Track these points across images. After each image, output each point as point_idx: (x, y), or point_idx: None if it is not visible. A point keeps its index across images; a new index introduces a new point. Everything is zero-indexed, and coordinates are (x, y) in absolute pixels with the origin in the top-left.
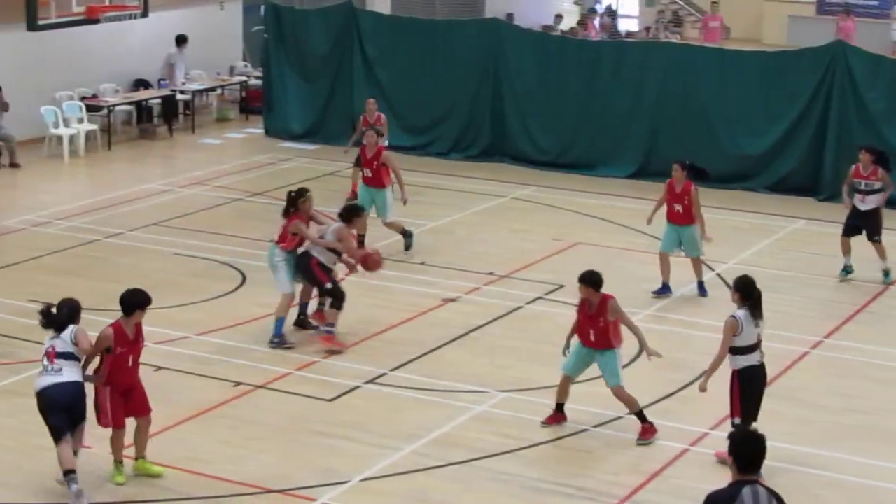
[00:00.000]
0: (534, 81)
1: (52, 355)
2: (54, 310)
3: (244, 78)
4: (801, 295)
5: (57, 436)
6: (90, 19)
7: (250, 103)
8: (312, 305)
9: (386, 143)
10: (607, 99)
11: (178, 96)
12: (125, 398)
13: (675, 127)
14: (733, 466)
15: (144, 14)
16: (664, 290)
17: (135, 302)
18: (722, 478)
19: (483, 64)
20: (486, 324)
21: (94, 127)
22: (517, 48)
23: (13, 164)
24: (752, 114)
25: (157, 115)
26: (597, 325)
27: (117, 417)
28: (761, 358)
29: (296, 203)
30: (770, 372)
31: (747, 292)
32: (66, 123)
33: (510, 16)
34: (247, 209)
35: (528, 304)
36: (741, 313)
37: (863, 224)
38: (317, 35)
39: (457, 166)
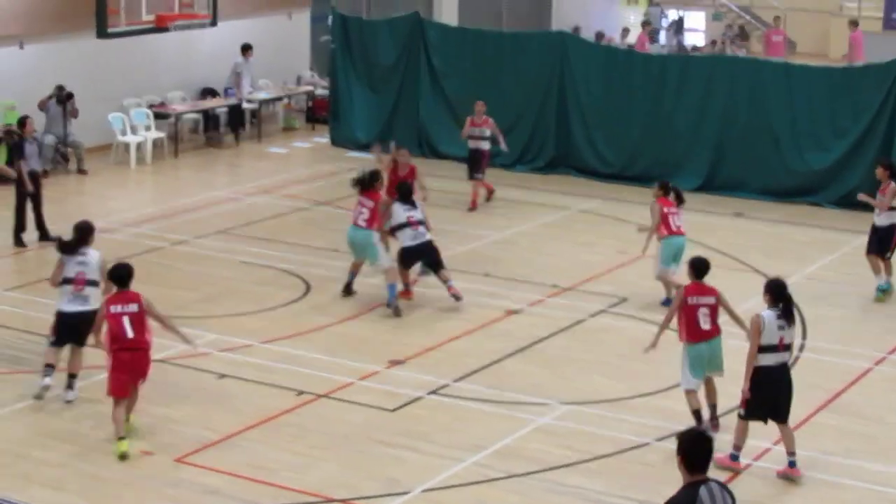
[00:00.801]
0: (599, 94)
1: (82, 282)
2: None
3: (311, 87)
4: (866, 310)
5: (58, 343)
6: (159, 28)
7: (316, 113)
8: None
9: (505, 148)
10: (673, 112)
11: (245, 105)
12: None
13: (741, 140)
14: (682, 466)
15: (213, 23)
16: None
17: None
18: (785, 493)
19: (549, 76)
20: (550, 336)
21: (162, 135)
22: (583, 61)
23: (81, 171)
24: (817, 129)
25: (223, 124)
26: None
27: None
28: (782, 360)
29: (373, 184)
30: (832, 387)
31: (777, 294)
32: (134, 131)
33: (577, 28)
34: (312, 218)
35: (591, 316)
36: (767, 313)
37: (876, 238)
38: (384, 45)
39: (522, 178)
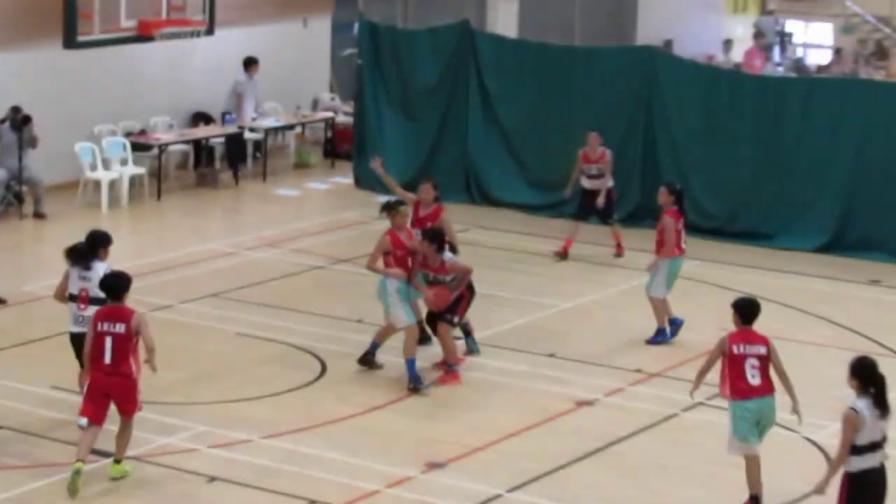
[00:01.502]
0: (697, 126)
1: (85, 300)
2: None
3: (330, 114)
4: None
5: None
6: (142, 36)
7: (337, 146)
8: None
9: (610, 184)
10: (792, 150)
11: (247, 134)
12: None
13: (878, 186)
14: None
15: (210, 31)
16: (661, 335)
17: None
18: None
19: (633, 103)
20: (632, 435)
21: (142, 170)
22: (676, 84)
23: (38, 215)
24: None
25: (219, 158)
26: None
27: None
28: (882, 460)
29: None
30: None
31: (867, 378)
32: (107, 165)
33: (668, 43)
34: (330, 279)
35: (685, 410)
36: (862, 403)
37: None
38: (423, 61)
39: (596, 232)
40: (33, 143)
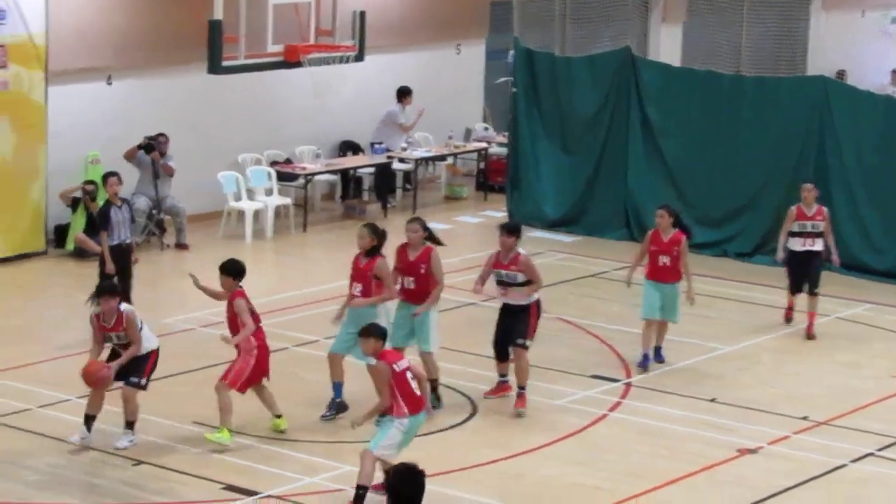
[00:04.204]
0: (874, 162)
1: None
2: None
3: (483, 144)
4: None
5: None
6: (289, 62)
7: (490, 178)
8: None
9: (836, 260)
10: None
11: (397, 165)
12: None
13: None
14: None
15: (359, 57)
16: (646, 361)
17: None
18: None
19: (804, 137)
20: (797, 486)
21: (287, 201)
22: (852, 117)
23: (180, 245)
24: None
25: (367, 189)
26: None
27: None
28: None
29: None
30: None
31: None
32: (251, 195)
33: (841, 73)
34: (482, 317)
35: (854, 461)
36: None
37: None
38: (582, 90)
39: (763, 273)
40: (169, 171)
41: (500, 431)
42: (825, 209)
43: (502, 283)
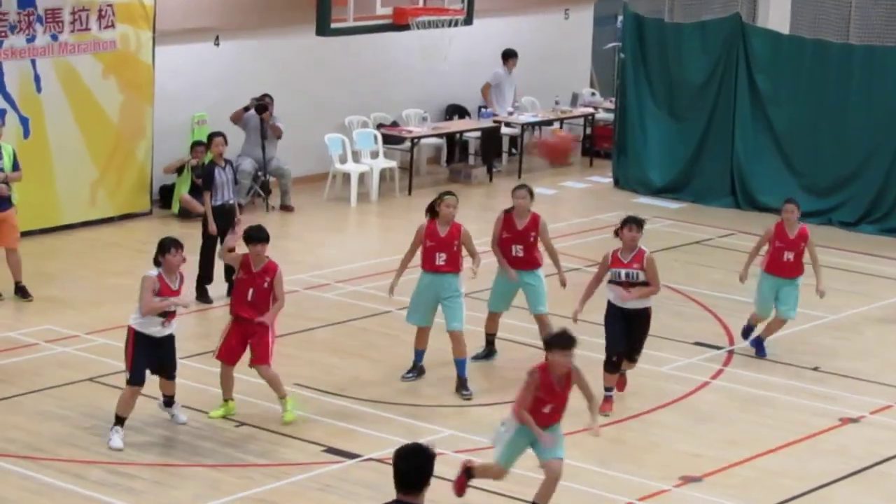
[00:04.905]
0: None
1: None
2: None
3: (590, 110)
4: None
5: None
6: (397, 24)
7: (596, 144)
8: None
9: None
10: None
11: (504, 129)
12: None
13: None
14: (395, 481)
15: (468, 21)
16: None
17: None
18: None
19: None
20: None
21: (393, 164)
22: None
23: (285, 207)
24: None
25: (474, 153)
26: None
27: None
28: None
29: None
30: None
31: None
32: (357, 158)
33: None
34: (582, 283)
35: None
36: None
37: None
38: (692, 57)
39: (869, 241)
40: (278, 133)
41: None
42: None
43: (622, 284)
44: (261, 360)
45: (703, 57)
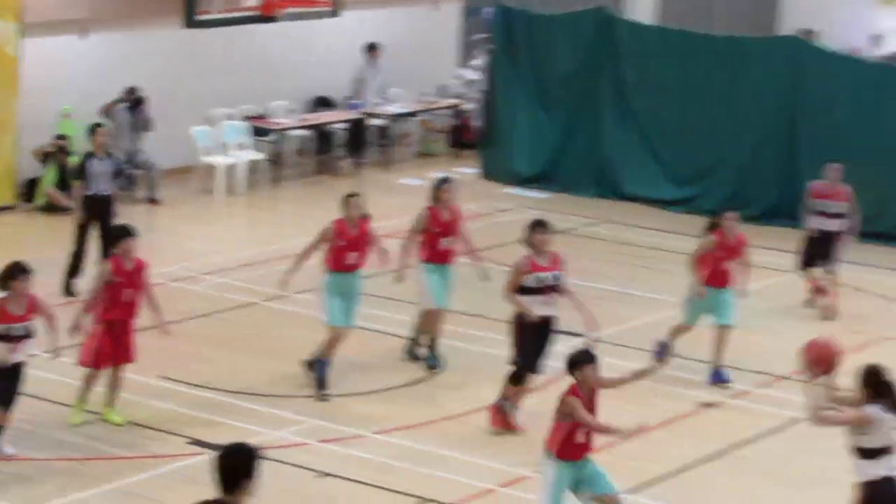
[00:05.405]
0: (843, 123)
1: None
2: None
3: (457, 101)
4: None
5: None
6: (265, 16)
7: (464, 135)
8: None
9: (856, 229)
10: None
11: (370, 121)
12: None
13: None
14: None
15: (335, 13)
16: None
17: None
18: None
19: (774, 97)
20: (758, 438)
21: (260, 156)
22: (823, 78)
23: (152, 200)
24: None
25: (341, 145)
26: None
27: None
28: None
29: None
30: None
31: (876, 387)
32: (224, 150)
33: (809, 33)
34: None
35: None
36: (875, 408)
37: None
38: (559, 49)
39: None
40: (147, 125)
41: (464, 385)
42: (850, 189)
43: (545, 290)
44: (131, 358)
45: (571, 48)
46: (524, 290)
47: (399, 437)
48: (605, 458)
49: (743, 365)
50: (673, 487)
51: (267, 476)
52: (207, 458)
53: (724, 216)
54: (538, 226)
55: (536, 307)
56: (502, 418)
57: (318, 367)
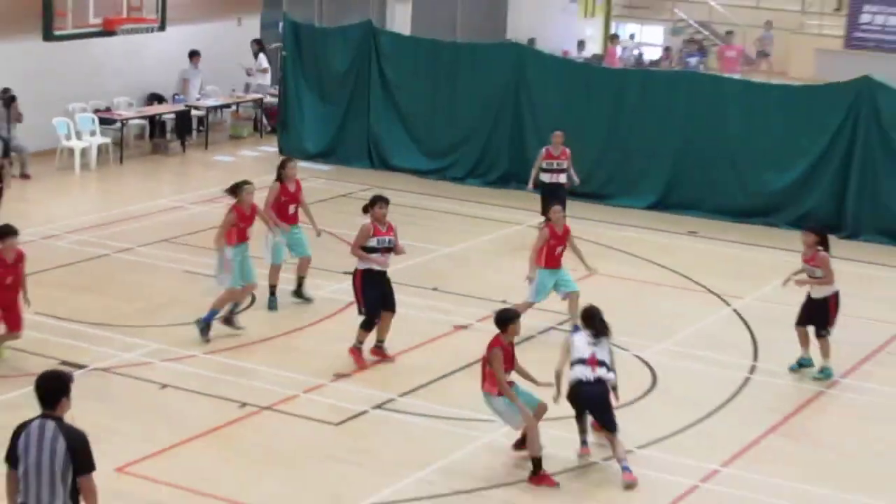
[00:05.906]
0: (556, 107)
1: None
2: None
3: (260, 95)
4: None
5: None
6: (107, 31)
7: (266, 121)
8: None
9: (577, 181)
10: (631, 128)
11: (193, 112)
12: None
13: (698, 158)
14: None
15: (162, 28)
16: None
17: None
18: None
19: (504, 89)
20: None
21: (107, 140)
22: (540, 74)
23: (24, 176)
24: (776, 147)
25: (170, 131)
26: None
27: None
28: (588, 376)
29: (236, 193)
30: (784, 410)
31: (590, 324)
32: (79, 136)
33: (532, 41)
34: (258, 229)
35: (541, 333)
36: (579, 334)
37: (812, 313)
38: (335, 54)
39: (473, 192)
40: (19, 118)
41: (277, 314)
42: (568, 150)
43: (384, 250)
44: (18, 327)
45: (345, 53)
46: (367, 250)
47: (224, 356)
48: (384, 370)
49: (487, 296)
50: (434, 392)
51: (120, 388)
52: (74, 374)
53: (552, 210)
54: (379, 200)
55: (378, 264)
56: (359, 356)
57: (210, 315)
